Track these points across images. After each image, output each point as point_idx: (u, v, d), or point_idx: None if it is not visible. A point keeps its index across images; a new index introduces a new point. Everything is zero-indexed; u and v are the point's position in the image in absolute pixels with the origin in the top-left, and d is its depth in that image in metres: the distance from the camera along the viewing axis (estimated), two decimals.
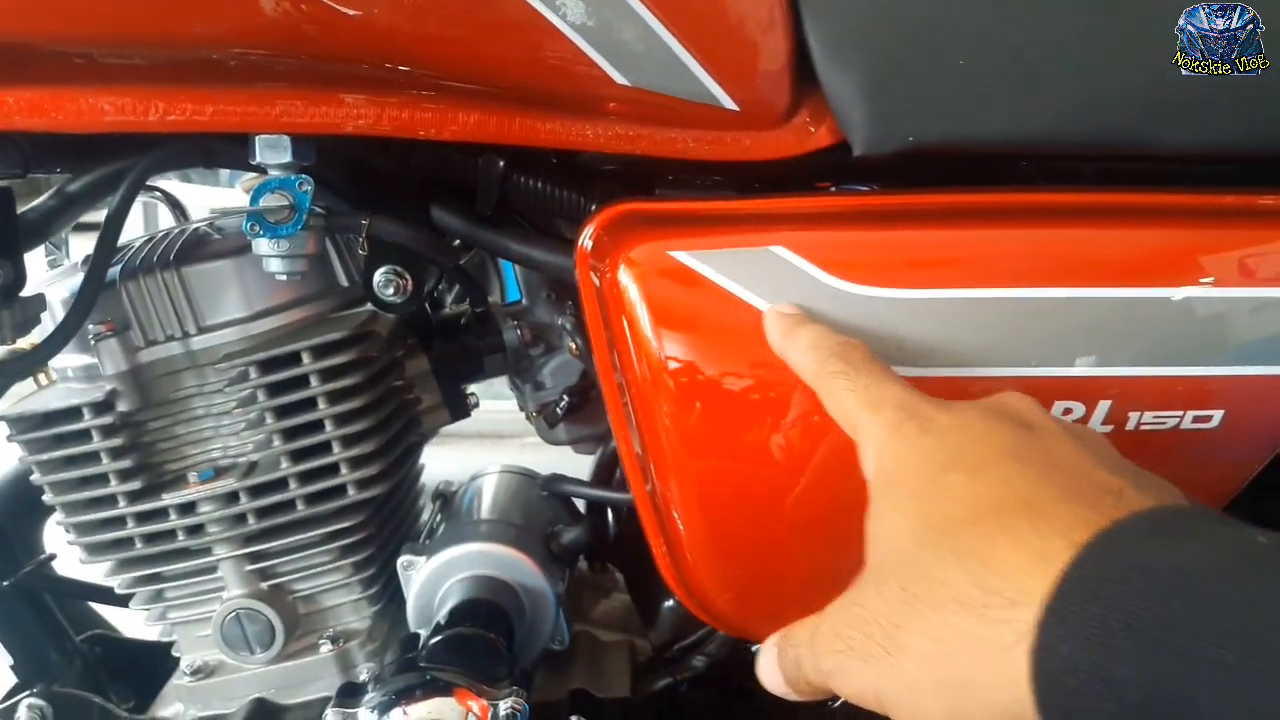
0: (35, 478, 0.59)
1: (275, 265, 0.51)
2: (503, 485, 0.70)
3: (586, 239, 0.51)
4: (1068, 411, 0.49)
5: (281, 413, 0.58)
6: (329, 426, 0.58)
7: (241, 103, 0.49)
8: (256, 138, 0.50)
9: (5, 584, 0.66)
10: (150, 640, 0.74)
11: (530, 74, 0.49)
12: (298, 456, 0.58)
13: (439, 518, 0.69)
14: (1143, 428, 0.50)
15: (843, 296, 0.48)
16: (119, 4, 0.45)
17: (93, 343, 0.57)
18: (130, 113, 0.48)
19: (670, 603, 0.68)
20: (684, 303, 0.50)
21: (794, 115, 0.52)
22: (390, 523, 0.65)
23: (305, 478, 0.59)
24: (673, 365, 0.50)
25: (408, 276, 0.59)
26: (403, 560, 0.61)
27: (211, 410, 0.59)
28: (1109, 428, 0.50)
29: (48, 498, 0.59)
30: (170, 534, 0.59)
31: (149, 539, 0.59)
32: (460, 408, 0.69)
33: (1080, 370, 0.49)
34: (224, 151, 0.56)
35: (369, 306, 0.61)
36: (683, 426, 0.51)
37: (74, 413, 0.57)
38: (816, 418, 0.50)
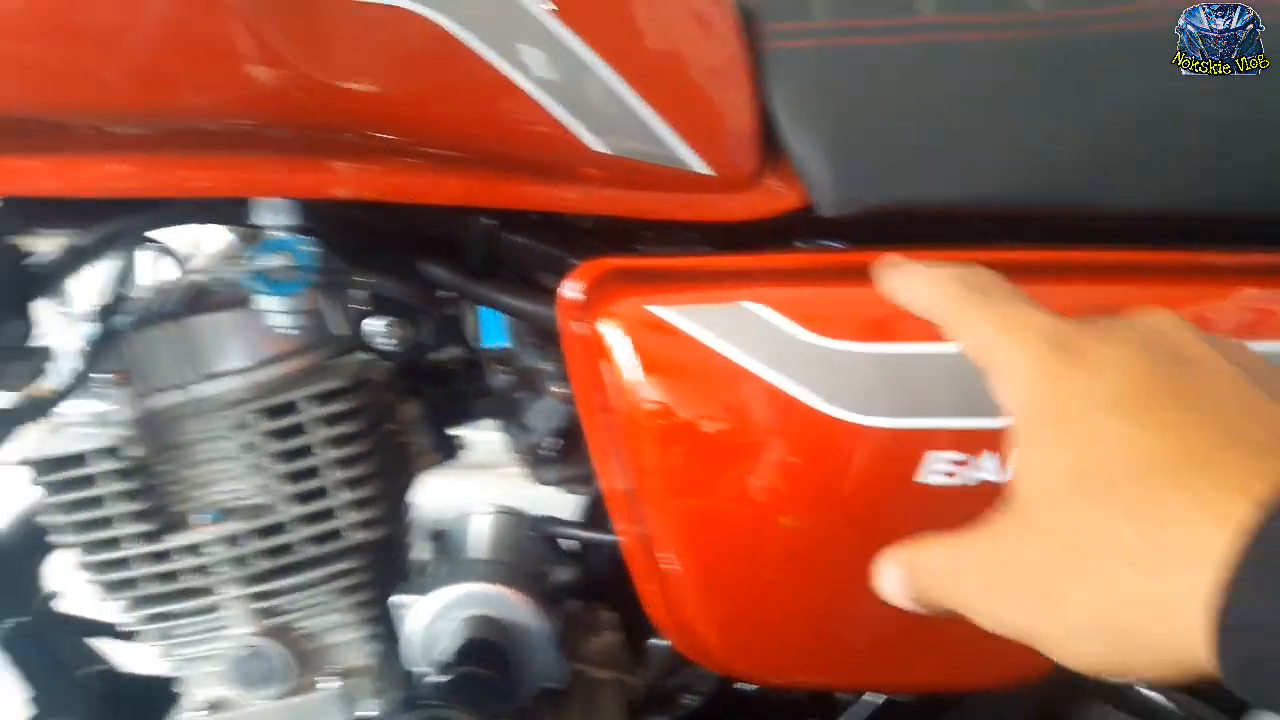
0: (47, 518, 0.66)
1: (280, 320, 0.59)
2: (494, 525, 0.76)
3: (571, 292, 0.58)
4: None
5: (283, 458, 0.65)
6: (328, 472, 0.65)
7: (236, 169, 0.56)
8: (253, 201, 0.58)
9: (23, 620, 0.73)
10: (146, 675, 0.81)
11: (512, 141, 0.57)
12: (298, 500, 0.65)
13: (432, 556, 0.76)
14: None
15: (813, 350, 0.55)
16: (114, 80, 0.52)
17: (101, 391, 0.64)
18: (129, 179, 0.55)
19: (657, 641, 0.74)
20: (664, 355, 0.57)
21: (763, 178, 0.59)
22: (388, 562, 0.71)
23: (306, 521, 0.66)
24: (657, 413, 0.57)
25: (405, 327, 0.67)
26: (396, 599, 0.67)
27: (216, 455, 0.66)
28: None
29: (60, 538, 0.66)
30: (178, 574, 0.66)
31: (158, 579, 0.66)
32: (449, 450, 0.76)
33: None
34: (224, 210, 0.63)
35: (362, 354, 0.68)
36: (668, 471, 0.58)
37: (83, 458, 0.64)
38: (796, 458, 0.57)
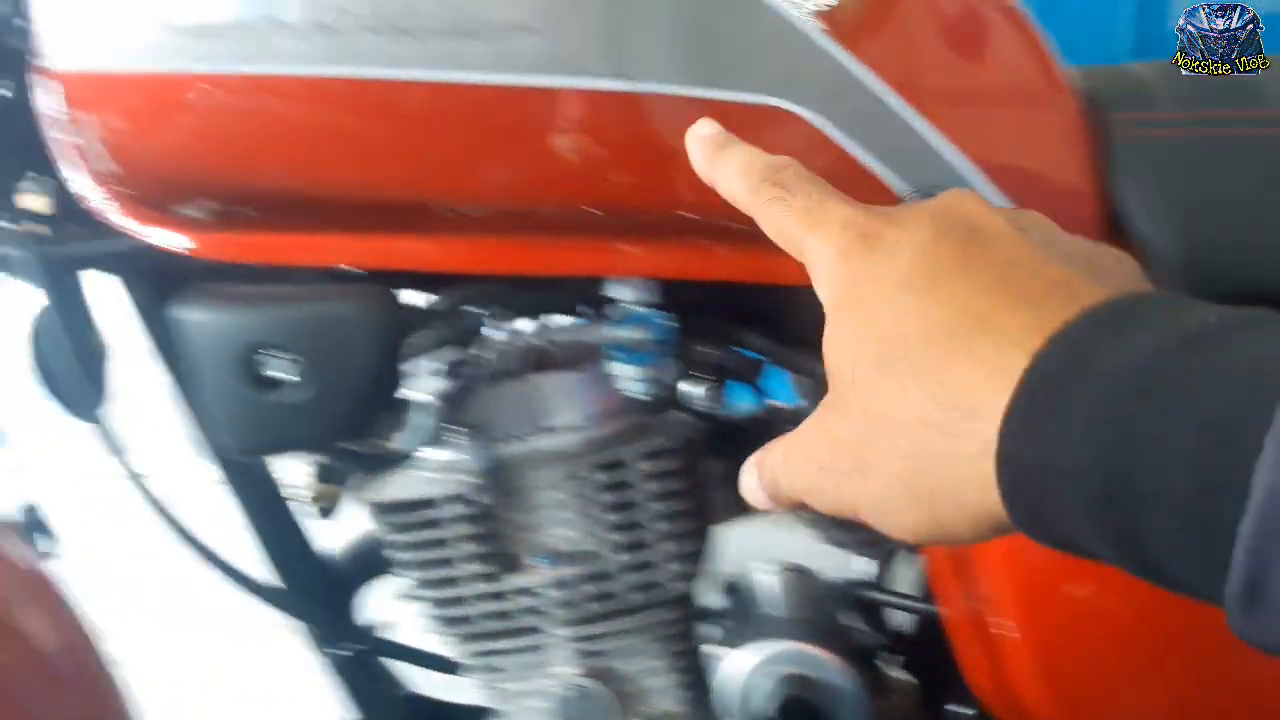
0: (392, 556, 0.73)
1: (635, 387, 0.64)
2: (787, 582, 0.79)
3: None
4: None
5: (612, 510, 0.70)
6: (653, 525, 0.70)
7: (578, 251, 0.61)
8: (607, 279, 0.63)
9: (361, 647, 0.81)
10: (447, 701, 0.88)
11: None
12: (624, 550, 0.70)
13: (729, 608, 0.79)
14: None
15: None
16: (484, 171, 0.58)
17: (452, 440, 0.71)
18: (477, 258, 0.61)
19: (957, 708, 0.75)
20: None
21: None
22: (694, 611, 0.75)
23: (630, 569, 0.70)
24: None
25: (720, 390, 0.71)
26: (710, 649, 0.71)
27: (550, 503, 0.72)
28: None
29: (404, 575, 0.73)
30: (511, 613, 0.72)
31: (492, 617, 0.72)
32: (744, 507, 0.79)
33: None
34: (575, 281, 0.69)
35: (678, 414, 0.72)
36: (1012, 541, 0.59)
37: (434, 503, 0.71)
38: None
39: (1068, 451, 0.30)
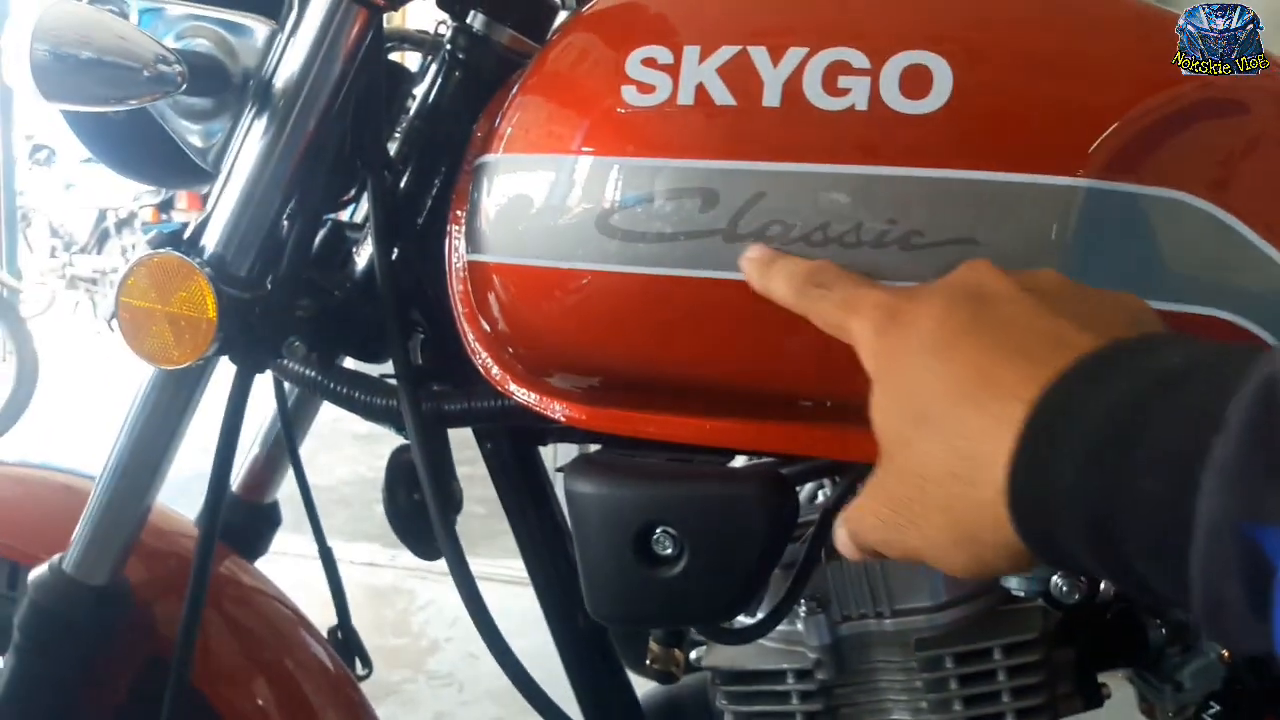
0: None
1: (1013, 581, 0.63)
2: None
3: None
4: None
5: (966, 701, 0.68)
6: (1008, 718, 0.67)
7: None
8: None
9: None
10: None
11: None
12: None
13: None
14: None
15: None
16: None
17: (803, 616, 0.71)
18: (838, 446, 0.61)
19: None
20: None
21: None
22: None
23: None
24: None
25: (1085, 580, 0.68)
26: None
27: (894, 684, 0.71)
28: None
29: None
30: None
31: None
32: (1094, 697, 0.75)
33: None
34: None
35: (1043, 604, 0.70)
36: None
37: (782, 675, 0.71)
38: None
39: (1061, 491, 0.35)
